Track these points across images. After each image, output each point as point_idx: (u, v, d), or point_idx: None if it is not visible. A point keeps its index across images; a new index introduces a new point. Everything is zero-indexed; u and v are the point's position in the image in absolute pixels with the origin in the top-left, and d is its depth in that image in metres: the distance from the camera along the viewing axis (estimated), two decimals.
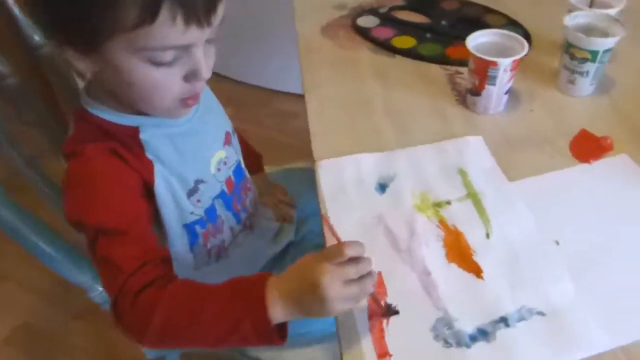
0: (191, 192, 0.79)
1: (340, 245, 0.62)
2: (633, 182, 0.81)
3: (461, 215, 0.77)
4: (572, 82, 0.96)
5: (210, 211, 0.83)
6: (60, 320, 1.61)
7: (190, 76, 0.69)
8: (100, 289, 0.88)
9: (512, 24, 1.16)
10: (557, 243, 0.73)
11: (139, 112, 0.73)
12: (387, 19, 1.21)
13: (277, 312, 0.62)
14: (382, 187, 0.82)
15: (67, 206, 0.70)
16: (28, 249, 0.79)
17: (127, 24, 0.61)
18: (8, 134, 0.86)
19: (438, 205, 0.79)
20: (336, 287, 0.60)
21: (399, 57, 1.11)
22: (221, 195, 0.85)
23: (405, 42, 1.14)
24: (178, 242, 0.81)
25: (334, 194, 0.81)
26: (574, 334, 0.64)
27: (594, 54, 0.91)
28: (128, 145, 0.72)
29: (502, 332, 0.64)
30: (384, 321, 0.66)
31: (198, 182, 0.80)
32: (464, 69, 1.03)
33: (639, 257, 0.72)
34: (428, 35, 1.15)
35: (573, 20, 0.95)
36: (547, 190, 0.80)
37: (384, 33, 1.17)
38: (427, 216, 0.78)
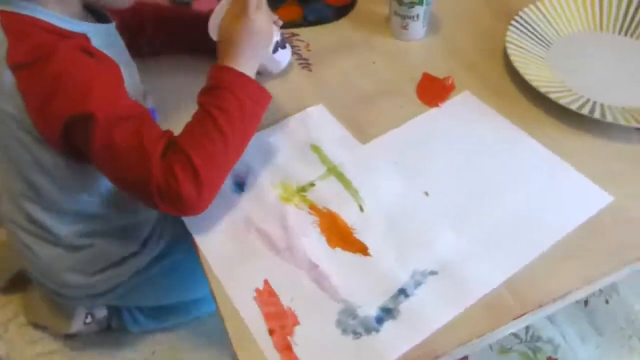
0: (144, 96, 0.83)
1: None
2: (478, 116, 0.83)
3: (329, 195, 0.74)
4: (405, 27, 0.95)
5: None
6: None
7: None
8: None
9: None
10: (427, 194, 0.73)
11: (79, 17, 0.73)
12: None
13: (242, 68, 0.72)
14: (239, 186, 0.76)
15: (59, 102, 0.66)
16: None
17: None
18: None
19: (302, 189, 0.75)
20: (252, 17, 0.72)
21: None
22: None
23: None
24: None
25: None
26: (466, 279, 0.65)
27: None
28: (89, 48, 0.70)
29: (405, 305, 0.63)
30: (288, 334, 0.62)
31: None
32: (298, 30, 0.99)
33: (501, 187, 0.74)
34: None
35: None
36: (404, 143, 0.80)
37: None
38: (295, 204, 0.73)
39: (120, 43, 0.81)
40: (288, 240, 0.69)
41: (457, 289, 0.64)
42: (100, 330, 1.01)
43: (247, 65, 0.73)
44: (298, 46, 0.96)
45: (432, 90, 0.86)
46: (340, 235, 0.70)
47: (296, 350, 0.61)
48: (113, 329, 1.01)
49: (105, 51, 0.72)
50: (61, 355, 0.97)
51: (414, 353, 0.60)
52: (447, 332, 0.61)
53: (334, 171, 0.77)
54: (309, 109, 0.85)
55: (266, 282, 0.66)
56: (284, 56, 0.89)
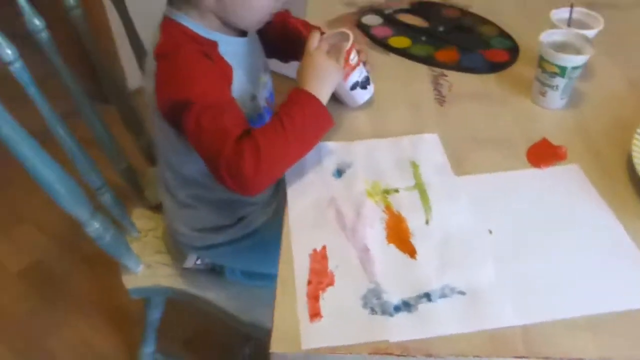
0: (252, 98, 1.00)
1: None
2: (577, 191, 0.86)
3: (406, 203, 0.84)
4: (543, 94, 1.01)
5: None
6: (68, 262, 1.88)
7: None
8: (97, 224, 1.00)
9: (502, 35, 1.23)
10: (490, 232, 0.80)
11: (216, 29, 0.93)
12: (389, 20, 1.30)
13: (315, 93, 0.87)
14: (339, 173, 0.90)
15: (171, 88, 0.87)
16: (36, 178, 0.89)
17: None
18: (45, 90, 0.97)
19: (387, 192, 0.86)
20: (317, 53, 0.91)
21: (392, 56, 1.19)
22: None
23: (401, 42, 1.22)
24: None
25: (295, 174, 0.89)
26: (486, 309, 0.70)
27: (563, 69, 0.97)
28: (211, 53, 0.90)
29: (423, 306, 0.71)
30: (321, 289, 0.74)
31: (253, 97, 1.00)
32: (449, 72, 1.11)
33: (564, 251, 0.77)
34: (423, 38, 1.22)
35: (550, 37, 1.01)
36: (493, 187, 0.87)
37: (383, 32, 1.25)
38: (375, 201, 0.85)
39: (245, 52, 1.00)
40: (355, 224, 0.81)
41: (474, 313, 0.70)
42: (206, 269, 1.21)
43: (317, 91, 0.88)
44: (442, 84, 1.08)
45: (543, 154, 0.92)
46: (399, 235, 0.80)
47: (321, 302, 0.72)
48: (216, 271, 1.20)
49: (228, 57, 0.92)
50: (169, 269, 1.19)
51: (412, 344, 0.67)
52: (449, 339, 0.68)
53: (420, 187, 0.87)
54: (425, 134, 0.96)
55: (324, 247, 0.78)
56: (361, 95, 1.00)
